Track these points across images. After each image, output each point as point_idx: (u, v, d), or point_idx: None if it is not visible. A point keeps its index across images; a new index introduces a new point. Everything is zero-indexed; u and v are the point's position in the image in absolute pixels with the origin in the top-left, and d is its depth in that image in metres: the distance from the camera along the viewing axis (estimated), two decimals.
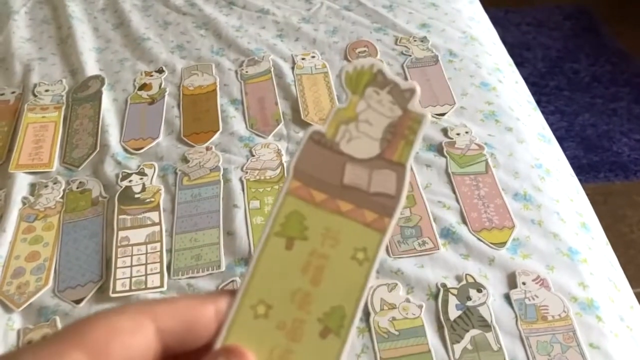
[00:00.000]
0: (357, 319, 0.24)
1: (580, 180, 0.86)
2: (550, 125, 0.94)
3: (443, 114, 0.89)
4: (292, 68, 1.00)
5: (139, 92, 0.98)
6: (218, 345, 0.23)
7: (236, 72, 1.01)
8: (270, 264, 0.24)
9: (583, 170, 1.51)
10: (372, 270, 0.24)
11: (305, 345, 0.23)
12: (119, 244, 0.75)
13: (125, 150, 0.89)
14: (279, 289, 0.24)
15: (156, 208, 0.79)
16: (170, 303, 0.22)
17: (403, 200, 0.25)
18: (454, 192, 0.78)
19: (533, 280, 0.68)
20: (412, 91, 0.25)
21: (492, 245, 0.71)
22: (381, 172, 0.25)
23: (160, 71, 1.02)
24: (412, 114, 0.25)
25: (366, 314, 0.66)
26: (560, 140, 0.92)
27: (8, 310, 0.69)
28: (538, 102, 1.01)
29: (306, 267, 0.24)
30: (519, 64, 1.07)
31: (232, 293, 0.24)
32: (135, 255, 0.74)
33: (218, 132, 0.90)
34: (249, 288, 0.24)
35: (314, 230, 0.24)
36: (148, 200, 0.80)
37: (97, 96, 0.97)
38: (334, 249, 0.24)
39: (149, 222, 0.77)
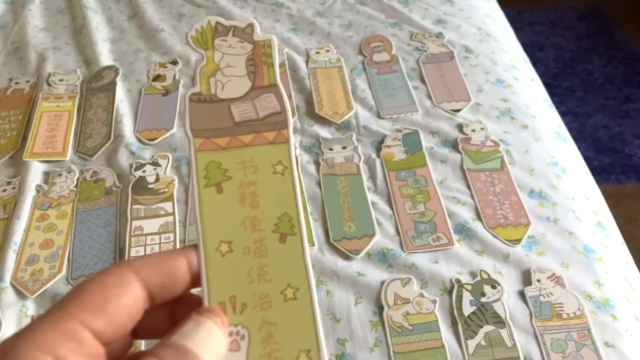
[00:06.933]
0: (302, 216, 0.27)
1: None
2: None
3: (458, 110, 0.88)
4: (307, 62, 1.00)
5: (153, 83, 0.98)
6: (205, 297, 0.25)
7: None
8: (212, 211, 0.27)
9: (594, 172, 1.47)
10: (294, 173, 0.27)
11: (273, 254, 0.26)
12: (132, 234, 0.75)
13: (139, 140, 0.89)
14: (230, 225, 0.26)
15: (170, 198, 0.79)
16: (147, 258, 0.25)
17: (289, 110, 0.28)
18: (469, 188, 0.77)
19: (548, 277, 0.67)
20: (251, 26, 0.29)
21: (507, 242, 0.71)
22: (261, 98, 0.28)
23: (175, 62, 1.02)
24: (260, 42, 0.29)
25: (379, 308, 0.65)
26: None
27: (22, 296, 0.69)
28: None
29: (242, 198, 0.27)
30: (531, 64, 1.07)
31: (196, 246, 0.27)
32: (148, 245, 0.74)
33: None
34: (205, 237, 0.26)
35: (232, 168, 0.27)
36: (162, 190, 0.80)
37: (111, 86, 0.97)
38: (256, 174, 0.27)
39: (162, 212, 0.77)
